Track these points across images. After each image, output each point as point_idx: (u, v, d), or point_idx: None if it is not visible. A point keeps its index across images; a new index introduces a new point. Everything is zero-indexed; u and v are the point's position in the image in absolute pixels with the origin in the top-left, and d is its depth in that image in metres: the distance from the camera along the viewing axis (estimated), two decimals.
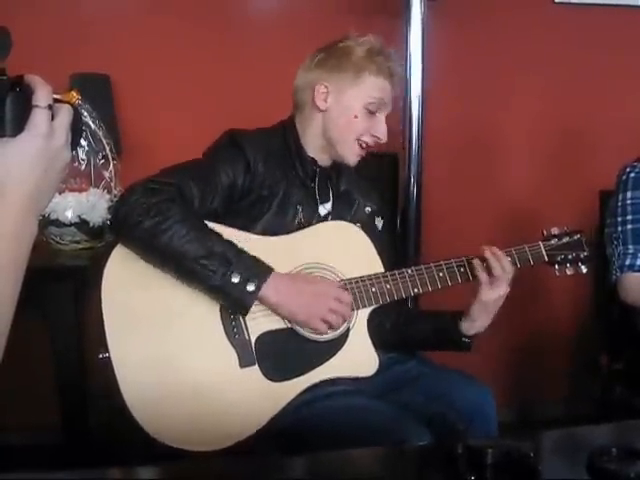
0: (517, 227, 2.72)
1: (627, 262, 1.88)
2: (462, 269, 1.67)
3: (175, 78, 2.56)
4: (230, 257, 1.46)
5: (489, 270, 1.63)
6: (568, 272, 1.74)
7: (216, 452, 1.44)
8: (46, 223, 2.11)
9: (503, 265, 1.63)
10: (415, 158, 2.40)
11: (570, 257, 1.73)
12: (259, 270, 1.48)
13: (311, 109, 1.69)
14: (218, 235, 1.51)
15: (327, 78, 1.67)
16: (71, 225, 2.14)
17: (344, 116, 1.67)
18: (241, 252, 1.48)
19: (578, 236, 1.75)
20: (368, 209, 1.77)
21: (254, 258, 1.49)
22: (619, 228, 1.92)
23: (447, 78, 2.61)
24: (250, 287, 1.46)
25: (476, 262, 1.64)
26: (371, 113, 1.66)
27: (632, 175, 1.93)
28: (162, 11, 2.55)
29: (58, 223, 2.13)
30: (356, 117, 1.66)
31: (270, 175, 1.62)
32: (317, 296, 1.54)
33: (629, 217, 1.90)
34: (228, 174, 1.58)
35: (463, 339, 1.70)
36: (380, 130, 1.68)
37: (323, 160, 1.72)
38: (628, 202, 1.91)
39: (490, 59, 2.77)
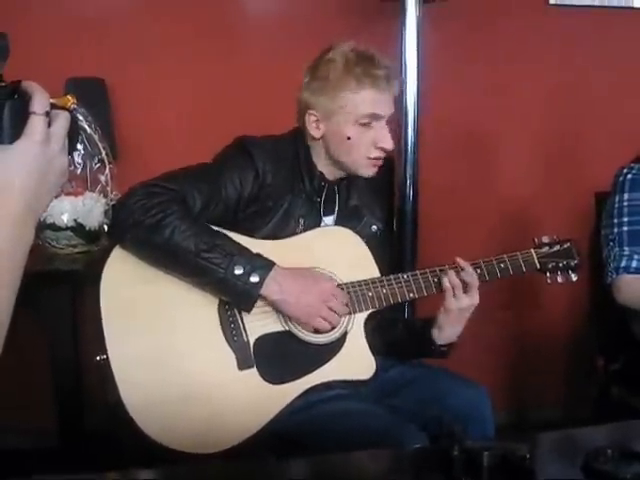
0: (514, 230, 2.72)
1: (622, 264, 1.88)
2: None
3: (171, 82, 2.55)
4: (232, 250, 1.47)
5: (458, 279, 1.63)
6: (559, 280, 1.76)
7: (214, 455, 1.44)
8: (42, 227, 2.11)
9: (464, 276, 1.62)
10: (411, 162, 2.40)
11: (561, 265, 1.75)
12: (262, 262, 1.48)
13: (310, 135, 1.66)
14: (218, 231, 1.51)
15: (313, 104, 1.62)
16: (67, 229, 2.13)
17: (340, 140, 1.62)
18: (242, 246, 1.49)
19: (568, 244, 1.77)
20: (374, 227, 1.76)
21: (256, 253, 1.50)
22: (615, 230, 1.92)
23: (443, 81, 2.61)
24: (254, 278, 1.46)
25: (444, 273, 1.63)
26: (366, 125, 1.60)
27: (629, 177, 1.93)
28: (158, 15, 2.55)
29: (54, 227, 2.13)
30: (349, 138, 1.60)
31: (277, 187, 1.61)
32: (318, 295, 1.54)
33: (625, 219, 1.91)
34: (235, 183, 1.57)
35: (441, 348, 1.69)
36: (383, 140, 1.61)
37: (333, 174, 1.69)
38: (625, 204, 1.91)
39: (485, 62, 2.77)
